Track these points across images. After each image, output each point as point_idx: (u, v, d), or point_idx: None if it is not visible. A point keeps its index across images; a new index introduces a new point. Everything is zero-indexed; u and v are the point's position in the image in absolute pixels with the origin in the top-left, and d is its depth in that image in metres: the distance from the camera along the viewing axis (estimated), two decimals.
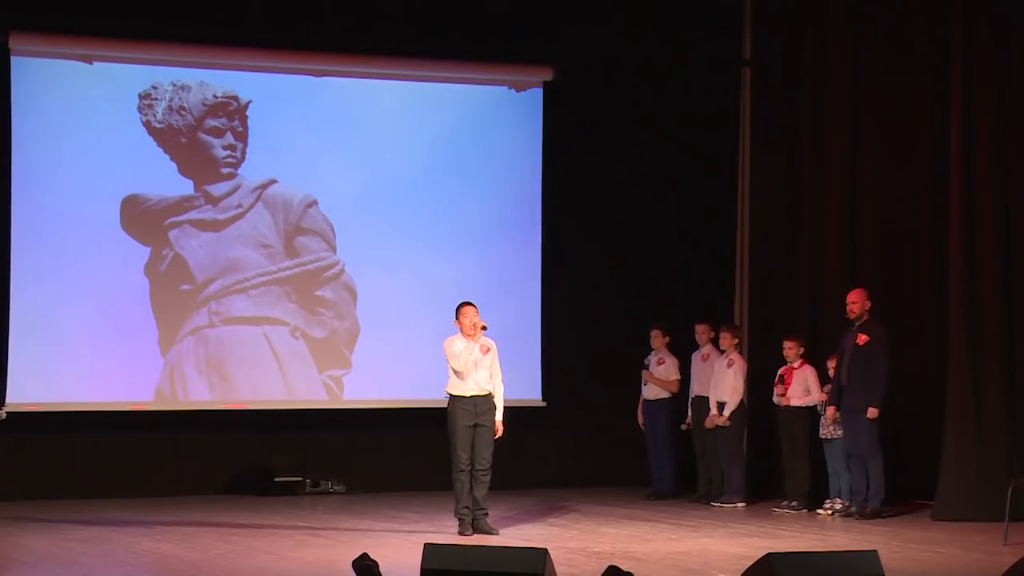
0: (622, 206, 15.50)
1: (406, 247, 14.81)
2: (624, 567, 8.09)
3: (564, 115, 15.27)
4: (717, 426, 13.94)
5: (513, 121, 15.21)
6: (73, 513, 12.70)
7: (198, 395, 14.23)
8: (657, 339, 14.56)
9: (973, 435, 12.70)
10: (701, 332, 14.39)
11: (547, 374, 15.14)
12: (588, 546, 11.15)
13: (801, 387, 13.45)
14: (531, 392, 14.98)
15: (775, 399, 13.59)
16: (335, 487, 14.52)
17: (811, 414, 13.46)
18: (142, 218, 14.12)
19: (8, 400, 13.54)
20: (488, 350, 11.91)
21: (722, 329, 14.20)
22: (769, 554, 8.06)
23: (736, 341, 14.09)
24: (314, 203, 14.63)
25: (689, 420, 14.41)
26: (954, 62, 12.91)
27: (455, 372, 11.85)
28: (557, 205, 15.27)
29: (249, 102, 14.43)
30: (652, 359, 14.56)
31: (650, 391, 14.54)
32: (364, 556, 8.28)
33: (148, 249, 14.14)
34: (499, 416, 11.92)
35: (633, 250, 15.52)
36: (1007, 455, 12.62)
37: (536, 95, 15.23)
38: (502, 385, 11.99)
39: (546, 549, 8.17)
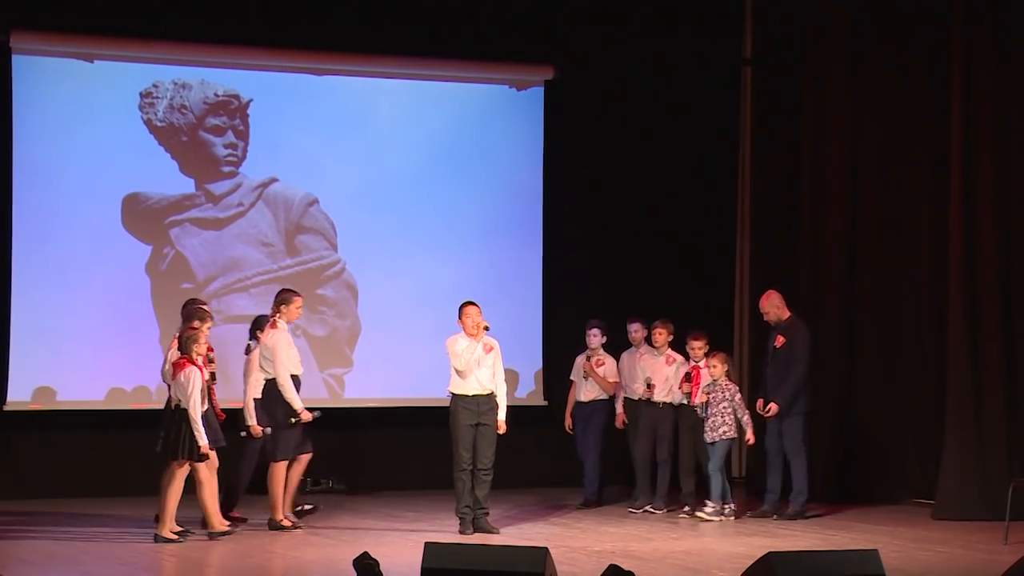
0: (623, 205, 15.49)
1: (407, 246, 14.81)
2: (625, 566, 8.08)
3: (565, 114, 15.27)
4: (655, 431, 13.15)
5: (514, 120, 15.21)
6: (73, 512, 12.70)
7: None
8: (595, 339, 13.59)
9: (973, 435, 12.71)
10: (635, 331, 13.48)
11: (548, 374, 15.14)
12: (589, 545, 11.16)
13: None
14: (532, 392, 15.01)
15: (681, 399, 13.01)
16: (336, 485, 14.52)
17: None
18: (143, 216, 14.12)
19: (8, 400, 13.55)
20: (491, 349, 11.91)
21: (656, 325, 13.29)
22: (769, 553, 8.07)
23: (671, 338, 13.27)
24: (315, 201, 14.64)
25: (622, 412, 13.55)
26: (954, 61, 12.92)
27: (457, 371, 11.87)
28: (558, 204, 15.27)
29: (250, 101, 14.43)
30: (593, 359, 13.64)
31: (586, 392, 13.60)
32: (365, 555, 8.29)
33: (149, 248, 14.14)
34: (502, 415, 11.93)
35: (633, 249, 15.50)
36: (1007, 455, 12.63)
37: (537, 94, 15.24)
38: (504, 384, 12.00)
39: (547, 548, 8.18)
